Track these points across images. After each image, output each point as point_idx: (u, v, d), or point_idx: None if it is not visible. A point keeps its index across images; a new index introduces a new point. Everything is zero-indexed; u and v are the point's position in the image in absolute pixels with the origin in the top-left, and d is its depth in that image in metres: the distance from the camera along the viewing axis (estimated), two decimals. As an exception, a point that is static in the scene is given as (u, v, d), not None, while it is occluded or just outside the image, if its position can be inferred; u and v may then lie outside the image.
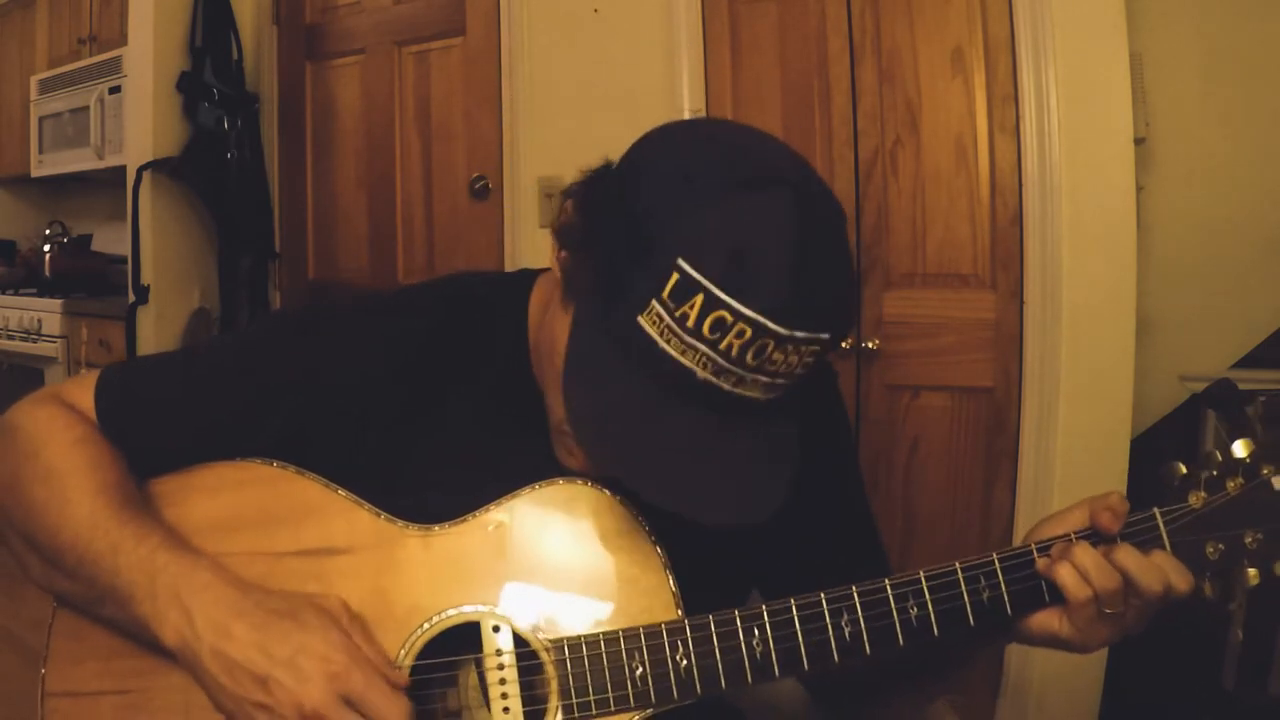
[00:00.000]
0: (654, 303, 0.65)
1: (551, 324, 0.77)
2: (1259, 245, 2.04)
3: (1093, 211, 1.81)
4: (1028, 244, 1.87)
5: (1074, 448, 1.84)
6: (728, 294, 0.64)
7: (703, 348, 0.65)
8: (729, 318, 0.64)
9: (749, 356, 0.65)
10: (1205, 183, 2.08)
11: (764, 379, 0.67)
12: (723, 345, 0.64)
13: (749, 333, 0.64)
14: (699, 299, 0.64)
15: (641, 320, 0.66)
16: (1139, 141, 1.88)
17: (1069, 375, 1.84)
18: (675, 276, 0.64)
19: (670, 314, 0.65)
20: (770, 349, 0.65)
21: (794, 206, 0.66)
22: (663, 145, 0.72)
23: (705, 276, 0.64)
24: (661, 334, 0.66)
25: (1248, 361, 2.05)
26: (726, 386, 0.67)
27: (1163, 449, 2.04)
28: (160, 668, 0.75)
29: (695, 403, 0.67)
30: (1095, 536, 0.76)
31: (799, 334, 0.65)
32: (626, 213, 0.68)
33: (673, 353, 0.66)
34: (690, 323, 0.64)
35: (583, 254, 0.73)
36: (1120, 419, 1.82)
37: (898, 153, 2.00)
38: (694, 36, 2.18)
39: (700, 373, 0.66)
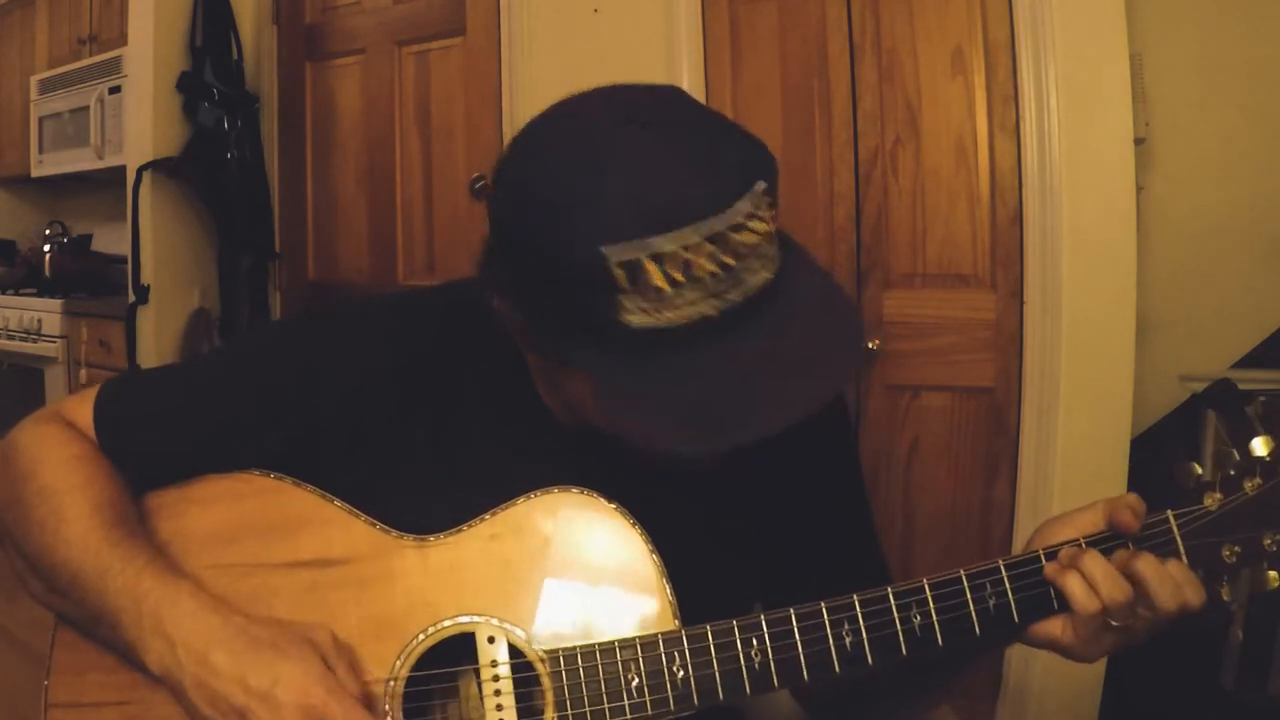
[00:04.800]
0: (621, 300, 0.63)
1: (563, 382, 0.76)
2: (1259, 245, 2.04)
3: (1093, 211, 1.81)
4: (1028, 244, 1.87)
5: (1074, 447, 1.84)
6: (657, 234, 0.61)
7: (692, 293, 0.63)
8: (680, 251, 0.61)
9: (725, 258, 0.63)
10: (1205, 183, 2.08)
11: (754, 260, 0.64)
12: (699, 274, 0.62)
13: (709, 249, 0.62)
14: (649, 264, 0.62)
15: (628, 320, 0.63)
16: (1139, 141, 1.87)
17: (1069, 375, 1.83)
18: (618, 268, 0.62)
19: (643, 295, 0.62)
20: (730, 238, 0.62)
21: (634, 133, 0.64)
22: (512, 181, 0.69)
23: (631, 239, 0.61)
24: (654, 314, 0.63)
25: (1248, 361, 2.05)
26: (737, 296, 0.64)
27: (1163, 449, 2.04)
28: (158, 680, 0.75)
29: (734, 329, 0.65)
30: (1105, 542, 0.73)
31: (736, 204, 0.63)
32: (537, 264, 0.66)
33: (675, 319, 0.63)
34: (665, 288, 0.62)
35: (531, 321, 0.71)
36: (1120, 419, 1.82)
37: (898, 153, 2.00)
38: (694, 36, 2.18)
39: (712, 310, 0.63)
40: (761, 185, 0.65)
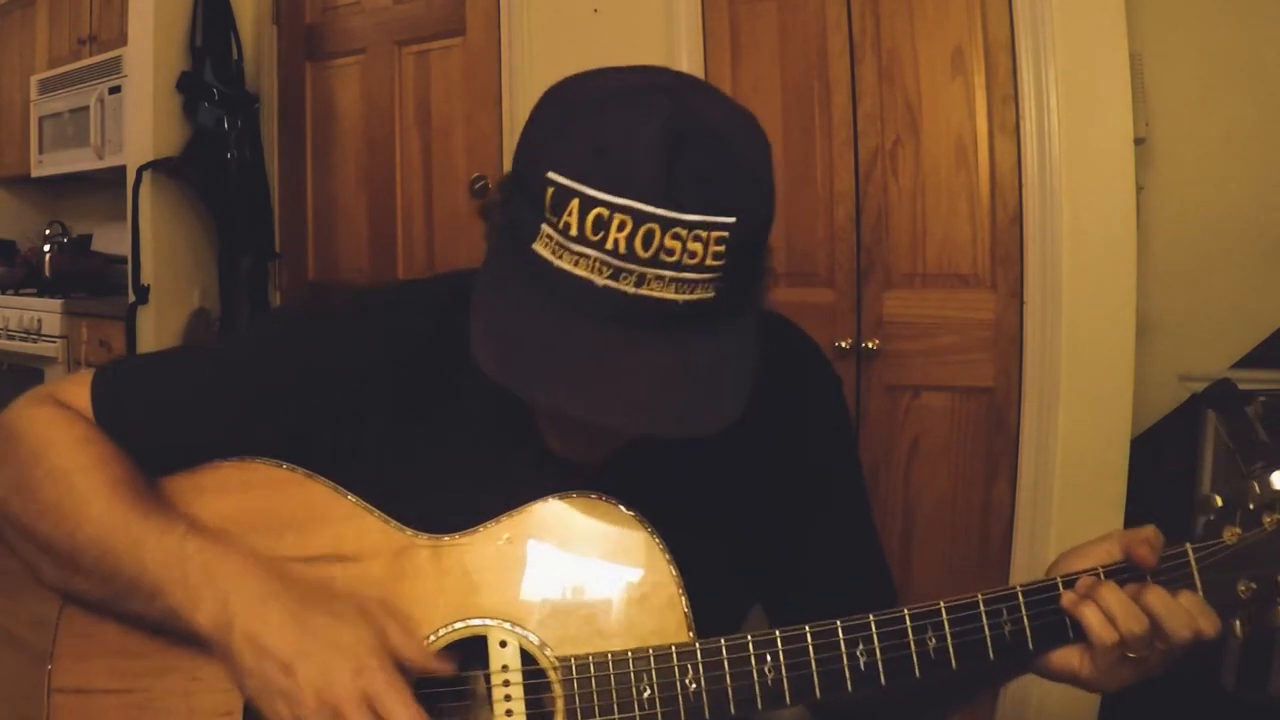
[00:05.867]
0: (542, 226, 0.64)
1: None
2: (1258, 245, 2.04)
3: (1093, 211, 1.81)
4: (1028, 244, 1.87)
5: (1074, 447, 1.84)
6: (596, 188, 0.62)
7: (591, 252, 0.63)
8: (605, 212, 0.62)
9: (638, 247, 0.62)
10: (1205, 183, 2.08)
11: (668, 273, 0.63)
12: (609, 243, 0.62)
13: (629, 223, 0.62)
14: (574, 203, 0.62)
15: (536, 247, 0.65)
16: (1139, 141, 1.88)
17: (1069, 375, 1.84)
18: (550, 190, 0.63)
19: (555, 228, 0.63)
20: (659, 235, 0.62)
21: (667, 107, 0.64)
22: (550, 92, 0.70)
23: (572, 178, 0.62)
24: (554, 252, 0.64)
25: (1248, 361, 2.06)
26: (629, 289, 0.64)
27: (1163, 449, 2.04)
28: (165, 669, 0.75)
29: (603, 315, 0.64)
30: (1122, 573, 0.74)
31: (687, 215, 0.62)
32: (515, 160, 0.69)
33: (567, 267, 0.64)
34: (573, 230, 0.63)
35: (490, 216, 0.73)
36: (1120, 419, 1.82)
37: (898, 153, 2.00)
38: (694, 36, 2.18)
39: (599, 280, 0.63)
40: (730, 220, 0.64)
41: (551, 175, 0.63)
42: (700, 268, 0.64)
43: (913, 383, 2.02)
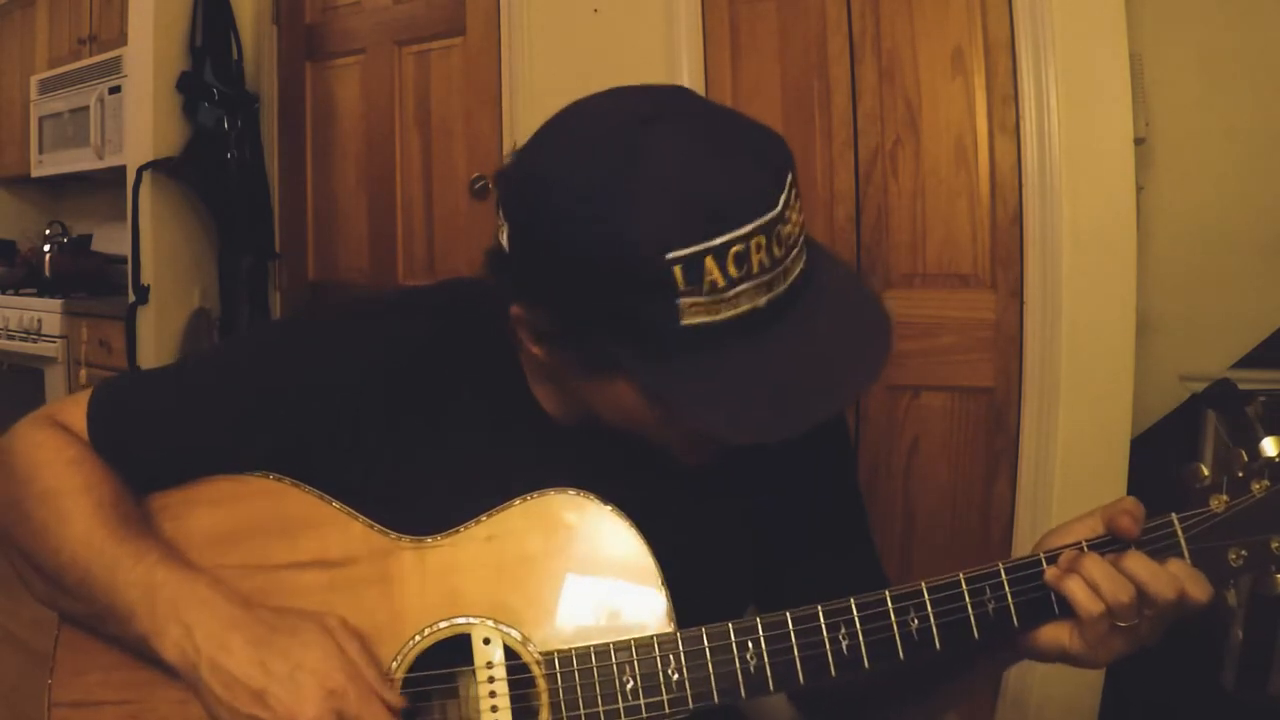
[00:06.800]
0: (680, 303, 0.63)
1: (591, 388, 0.74)
2: (1259, 245, 2.04)
3: (1093, 211, 1.81)
4: (1028, 244, 1.87)
5: (1074, 448, 1.84)
6: (720, 235, 0.62)
7: (745, 286, 0.64)
8: (740, 247, 0.63)
9: (775, 250, 0.64)
10: (1205, 183, 2.08)
11: (794, 251, 0.67)
12: (756, 265, 0.64)
13: (762, 237, 0.63)
14: (708, 261, 0.62)
15: (686, 322, 0.64)
16: (1139, 141, 1.87)
17: (1069, 375, 1.83)
18: (677, 268, 0.62)
19: (700, 294, 0.63)
20: (777, 230, 0.65)
21: (672, 129, 0.65)
22: (547, 181, 0.67)
23: (692, 243, 0.62)
24: (709, 312, 0.64)
25: (1248, 361, 2.05)
26: (783, 287, 0.66)
27: (1163, 449, 2.04)
28: (162, 680, 0.76)
29: (778, 319, 0.66)
30: (1106, 546, 0.73)
31: (781, 197, 0.65)
32: (586, 272, 0.65)
33: (729, 314, 0.64)
34: (721, 282, 0.63)
35: (571, 341, 0.71)
36: (1120, 419, 1.81)
37: (898, 153, 2.00)
38: (694, 36, 2.18)
39: (761, 300, 0.65)
40: (790, 176, 0.66)
41: (672, 255, 0.62)
42: (801, 227, 0.68)
43: (913, 383, 2.02)
